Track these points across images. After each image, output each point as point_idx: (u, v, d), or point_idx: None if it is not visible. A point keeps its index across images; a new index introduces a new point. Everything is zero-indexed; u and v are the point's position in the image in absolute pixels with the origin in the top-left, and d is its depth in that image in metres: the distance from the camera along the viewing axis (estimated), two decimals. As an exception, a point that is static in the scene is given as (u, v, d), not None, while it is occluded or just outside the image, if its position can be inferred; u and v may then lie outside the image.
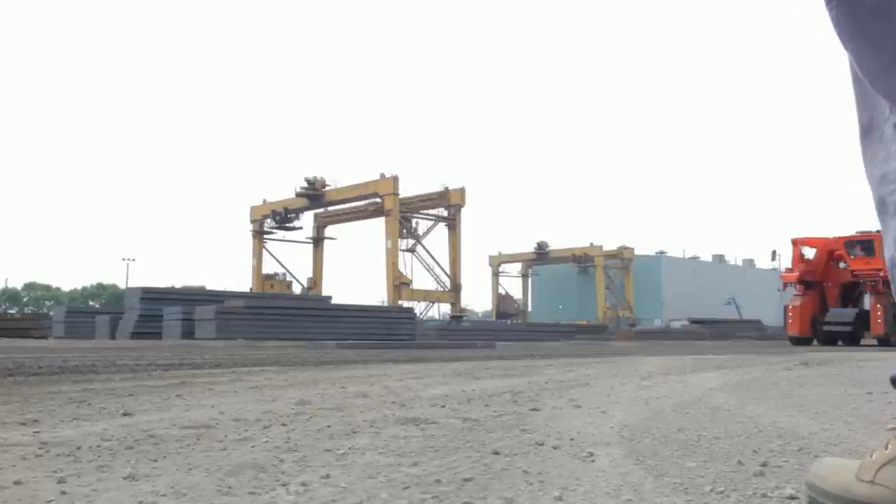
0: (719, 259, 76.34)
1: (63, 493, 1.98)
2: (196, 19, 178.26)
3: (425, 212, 55.31)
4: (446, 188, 53.21)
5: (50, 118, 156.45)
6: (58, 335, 27.78)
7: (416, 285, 53.12)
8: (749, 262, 78.92)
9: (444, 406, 4.00)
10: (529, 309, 76.52)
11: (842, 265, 29.05)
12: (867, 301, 28.63)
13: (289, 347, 17.07)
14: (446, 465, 2.32)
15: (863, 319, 27.63)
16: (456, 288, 53.41)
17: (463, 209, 53.31)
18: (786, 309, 30.28)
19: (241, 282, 70.88)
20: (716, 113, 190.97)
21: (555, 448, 2.61)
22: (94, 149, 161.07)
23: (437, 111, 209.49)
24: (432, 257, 54.76)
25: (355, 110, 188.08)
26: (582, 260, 68.02)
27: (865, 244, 27.75)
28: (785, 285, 30.88)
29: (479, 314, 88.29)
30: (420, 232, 55.22)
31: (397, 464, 2.34)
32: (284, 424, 3.27)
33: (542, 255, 72.10)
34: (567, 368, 7.77)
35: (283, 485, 2.05)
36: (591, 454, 2.47)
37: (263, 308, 25.39)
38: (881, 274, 25.93)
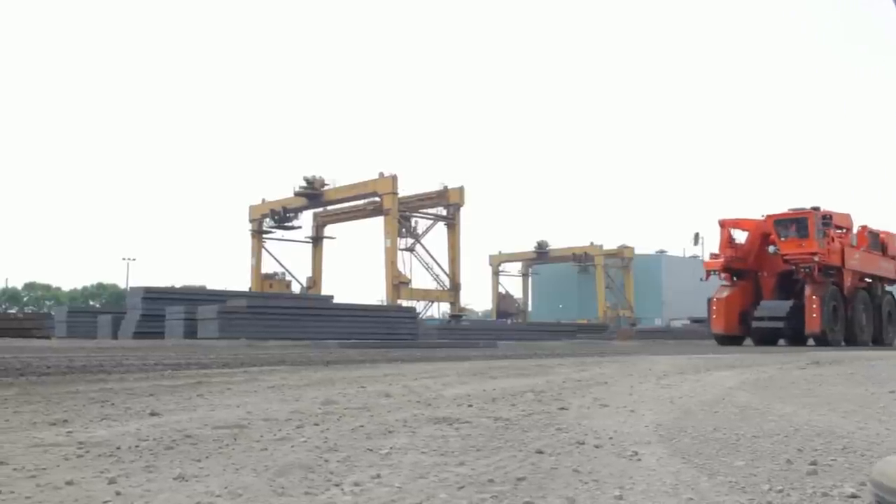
0: (719, 258, 76.31)
1: (118, 493, 1.98)
2: (196, 19, 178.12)
3: (424, 211, 55.24)
4: (445, 187, 53.16)
5: (50, 118, 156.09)
6: (59, 335, 27.73)
7: (415, 284, 53.07)
8: (749, 261, 79.02)
9: (470, 405, 3.99)
10: (529, 308, 76.59)
11: (771, 249, 24.30)
12: None
13: (292, 347, 17.05)
14: (493, 464, 2.31)
15: (799, 314, 22.89)
16: (455, 287, 53.38)
17: (462, 208, 53.28)
18: (709, 302, 25.13)
19: (241, 281, 70.80)
20: (715, 112, 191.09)
21: (597, 447, 2.60)
22: (93, 149, 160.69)
23: (436, 110, 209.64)
24: (431, 256, 54.73)
25: (354, 109, 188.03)
26: (582, 259, 68.01)
27: (799, 223, 23.22)
28: (707, 274, 25.41)
29: (479, 313, 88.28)
30: (419, 231, 55.17)
31: (443, 463, 2.34)
32: (317, 424, 3.26)
33: (542, 254, 72.11)
34: (580, 368, 7.77)
35: (336, 485, 2.05)
36: (636, 453, 2.47)
37: (265, 308, 25.35)
38: (815, 259, 22.52)
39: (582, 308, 68.21)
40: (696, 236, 27.81)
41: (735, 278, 25.08)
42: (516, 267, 76.45)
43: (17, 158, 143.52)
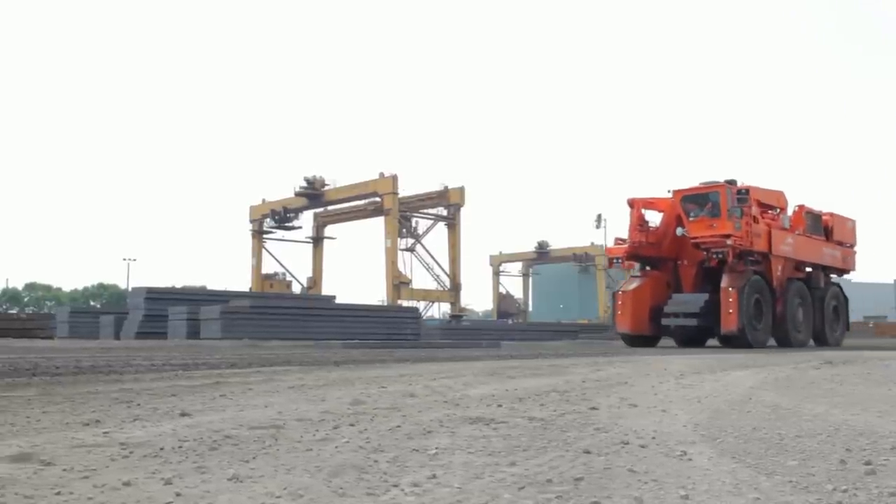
0: (719, 258, 76.16)
1: (178, 494, 1.97)
2: (196, 19, 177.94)
3: (425, 211, 55.13)
4: (446, 187, 53.06)
5: (50, 118, 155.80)
6: (61, 335, 27.68)
7: (415, 285, 52.99)
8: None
9: (500, 405, 3.99)
10: (530, 308, 76.49)
11: (679, 232, 19.94)
12: None
13: (296, 347, 17.04)
14: (545, 464, 2.31)
15: (716, 309, 18.90)
16: (456, 287, 53.31)
17: (462, 208, 53.20)
18: (614, 296, 21.42)
19: (241, 282, 70.65)
20: (714, 112, 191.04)
21: (642, 447, 2.60)
22: (94, 149, 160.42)
23: (436, 111, 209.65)
24: (432, 257, 54.63)
25: (355, 110, 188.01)
26: (583, 259, 68.02)
27: (709, 200, 19.27)
28: (610, 262, 21.61)
29: (480, 314, 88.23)
30: (420, 231, 55.08)
31: (494, 463, 2.33)
32: (352, 425, 3.24)
33: (542, 254, 72.03)
34: (594, 368, 7.77)
35: (395, 485, 2.04)
36: (684, 453, 2.47)
37: (268, 308, 25.31)
38: (728, 242, 18.50)
39: (583, 308, 68.15)
40: (599, 218, 22.10)
41: (648, 268, 21.31)
42: (517, 267, 76.35)
43: (18, 158, 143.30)
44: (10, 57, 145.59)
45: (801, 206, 22.01)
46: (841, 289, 23.75)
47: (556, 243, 71.98)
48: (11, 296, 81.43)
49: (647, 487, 1.95)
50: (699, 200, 19.67)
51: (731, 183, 19.28)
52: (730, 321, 18.41)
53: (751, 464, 2.27)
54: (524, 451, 2.55)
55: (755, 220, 19.57)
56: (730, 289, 18.57)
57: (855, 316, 55.59)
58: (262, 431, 3.05)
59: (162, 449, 2.64)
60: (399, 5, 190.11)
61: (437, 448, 2.59)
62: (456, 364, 8.96)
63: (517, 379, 6.09)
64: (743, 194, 18.72)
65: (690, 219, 19.58)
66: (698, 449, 2.54)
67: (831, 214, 23.39)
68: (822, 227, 22.73)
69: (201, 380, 6.22)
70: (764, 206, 20.85)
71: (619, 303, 20.78)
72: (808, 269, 22.17)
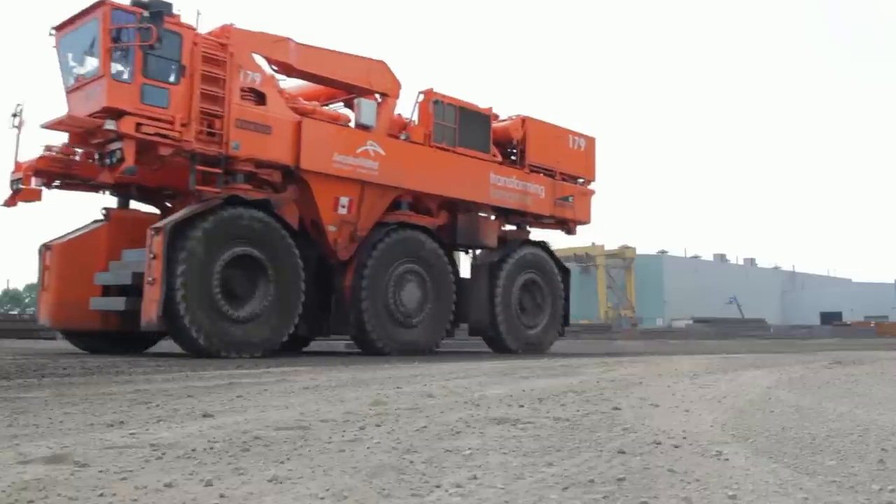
0: (721, 258, 76.27)
1: (221, 496, 1.96)
2: (195, 19, 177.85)
3: (425, 211, 55.07)
4: (447, 188, 53.03)
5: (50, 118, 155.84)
6: (63, 336, 27.65)
7: (416, 285, 52.93)
8: (750, 262, 78.93)
9: (521, 406, 3.99)
10: (530, 308, 76.31)
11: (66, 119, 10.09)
12: None
13: (300, 348, 16.92)
14: (583, 464, 2.30)
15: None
16: (457, 288, 53.29)
17: (463, 209, 53.18)
18: (42, 255, 11.03)
19: (241, 282, 70.50)
20: (716, 112, 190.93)
21: (676, 447, 2.60)
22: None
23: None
24: (433, 257, 54.64)
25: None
26: (583, 259, 68.01)
27: (85, 38, 9.79)
28: (13, 195, 11.17)
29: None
30: (421, 232, 55.04)
31: (531, 464, 2.32)
32: (378, 426, 3.24)
33: (542, 254, 71.92)
34: (605, 368, 7.76)
35: (437, 486, 2.04)
36: (720, 453, 2.47)
37: (271, 308, 25.25)
38: (111, 125, 9.08)
39: (583, 308, 68.13)
40: (16, 111, 10.79)
41: (164, 209, 11.69)
42: (517, 267, 76.07)
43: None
44: (10, 57, 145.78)
45: (428, 92, 12.23)
46: (549, 252, 14.15)
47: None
48: (13, 297, 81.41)
49: (691, 488, 1.95)
50: (81, 44, 9.92)
51: (143, 4, 9.33)
52: (149, 308, 9.30)
53: (789, 464, 2.27)
54: (558, 451, 2.55)
55: (256, 96, 10.38)
56: (152, 232, 9.31)
57: (856, 315, 55.76)
58: (290, 432, 3.04)
59: (194, 450, 2.63)
60: (398, 5, 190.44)
61: (469, 449, 2.59)
62: (464, 363, 8.95)
63: (531, 379, 6.09)
64: (150, 18, 9.09)
65: (71, 84, 10.06)
66: (732, 449, 2.54)
67: (523, 119, 13.63)
68: (488, 137, 12.87)
69: (213, 380, 6.21)
70: (320, 81, 11.72)
71: (45, 267, 10.93)
72: (445, 213, 12.69)
